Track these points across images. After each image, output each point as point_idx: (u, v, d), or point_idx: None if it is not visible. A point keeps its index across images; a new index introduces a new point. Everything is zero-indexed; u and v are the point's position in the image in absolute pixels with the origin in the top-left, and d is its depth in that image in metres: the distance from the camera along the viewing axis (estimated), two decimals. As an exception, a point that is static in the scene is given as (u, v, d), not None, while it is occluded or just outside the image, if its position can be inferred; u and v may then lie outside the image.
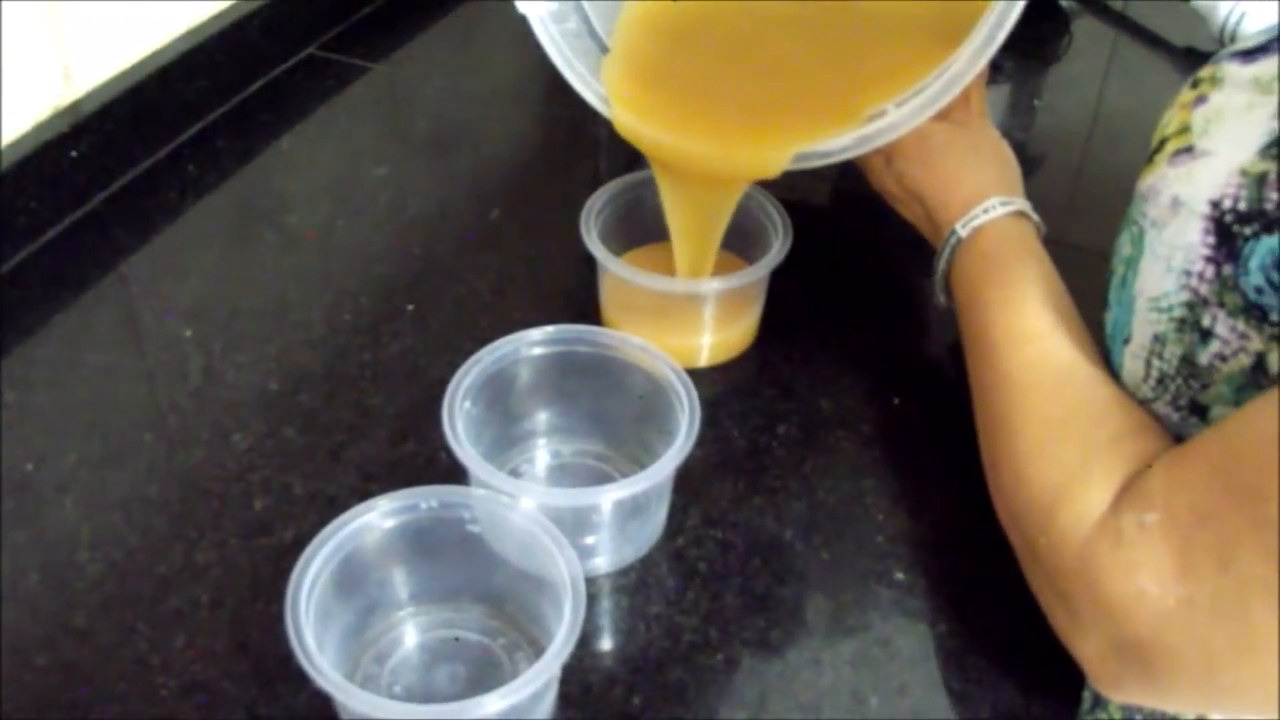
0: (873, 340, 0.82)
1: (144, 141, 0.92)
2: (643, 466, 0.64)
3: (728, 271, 0.75)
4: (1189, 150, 0.56)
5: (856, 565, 0.68)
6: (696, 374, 0.77)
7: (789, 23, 0.82)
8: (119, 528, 0.67)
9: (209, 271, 0.85)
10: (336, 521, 0.59)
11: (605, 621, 0.65)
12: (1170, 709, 0.58)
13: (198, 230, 0.89)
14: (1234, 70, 0.58)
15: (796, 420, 0.76)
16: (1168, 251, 0.55)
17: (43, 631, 0.62)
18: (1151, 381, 0.57)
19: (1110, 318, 0.61)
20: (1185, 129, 0.58)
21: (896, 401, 0.77)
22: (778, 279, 0.78)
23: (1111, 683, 0.56)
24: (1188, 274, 0.54)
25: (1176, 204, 0.55)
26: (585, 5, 0.81)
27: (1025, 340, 0.63)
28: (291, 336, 0.80)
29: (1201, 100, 0.58)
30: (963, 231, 0.70)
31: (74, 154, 0.86)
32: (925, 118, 0.70)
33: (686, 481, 0.71)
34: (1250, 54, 0.59)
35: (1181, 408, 0.57)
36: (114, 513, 0.68)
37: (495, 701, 0.53)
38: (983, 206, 0.70)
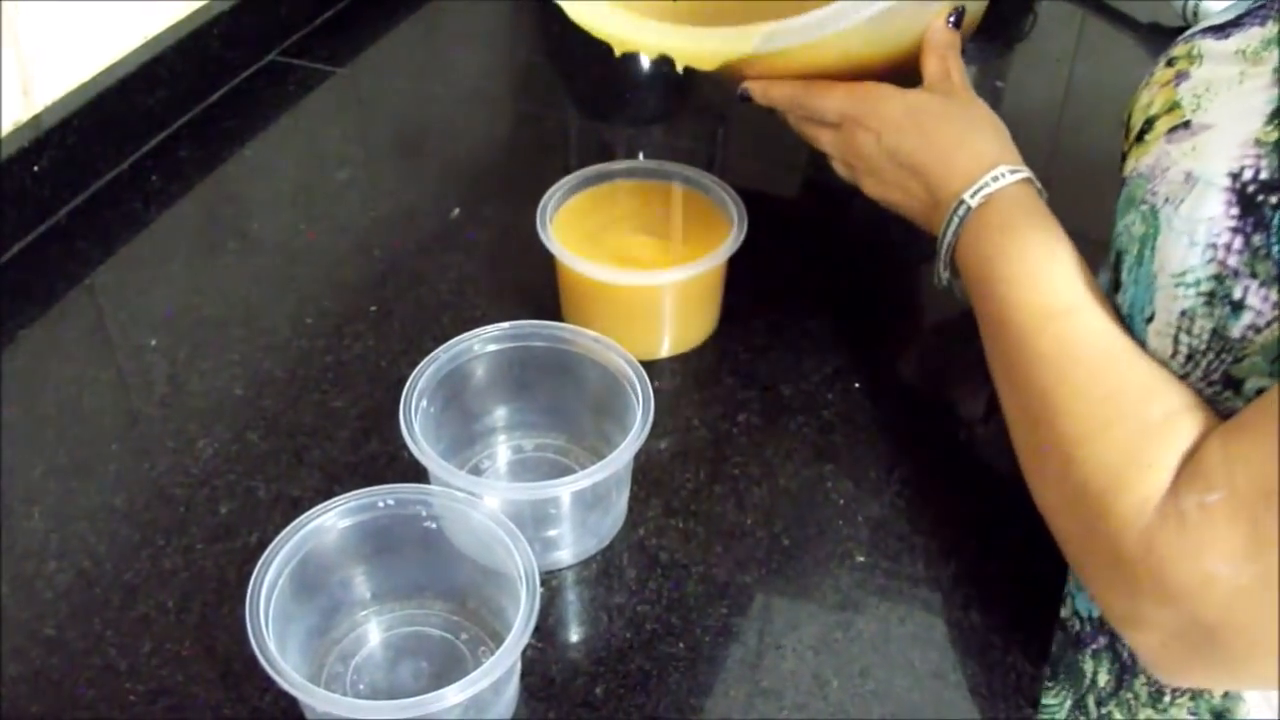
0: (833, 327, 0.82)
1: (106, 153, 0.93)
2: (603, 459, 0.65)
3: (684, 262, 0.76)
4: (1186, 126, 0.56)
5: (817, 550, 0.68)
6: (658, 365, 0.79)
7: None
8: (86, 537, 0.68)
9: (175, 280, 0.86)
10: (294, 524, 0.59)
11: (568, 613, 0.66)
12: (1238, 688, 0.58)
13: (163, 240, 0.90)
14: (1211, 45, 0.58)
15: (757, 408, 0.76)
16: (1188, 226, 0.54)
17: (11, 641, 0.63)
18: (1180, 358, 0.56)
19: (1126, 297, 0.59)
20: (1174, 106, 0.57)
21: (857, 386, 0.78)
22: (737, 269, 0.79)
23: (1176, 668, 0.55)
24: (1213, 247, 0.53)
25: (1190, 179, 0.54)
26: None
27: (1056, 315, 0.60)
28: (255, 342, 0.80)
29: (1183, 77, 0.58)
30: (973, 201, 0.67)
31: (36, 169, 0.86)
32: None
33: (647, 472, 0.71)
34: (1223, 29, 0.59)
35: (1214, 383, 0.55)
36: (81, 522, 0.69)
37: (455, 694, 0.54)
38: (991, 174, 0.67)
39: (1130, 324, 0.59)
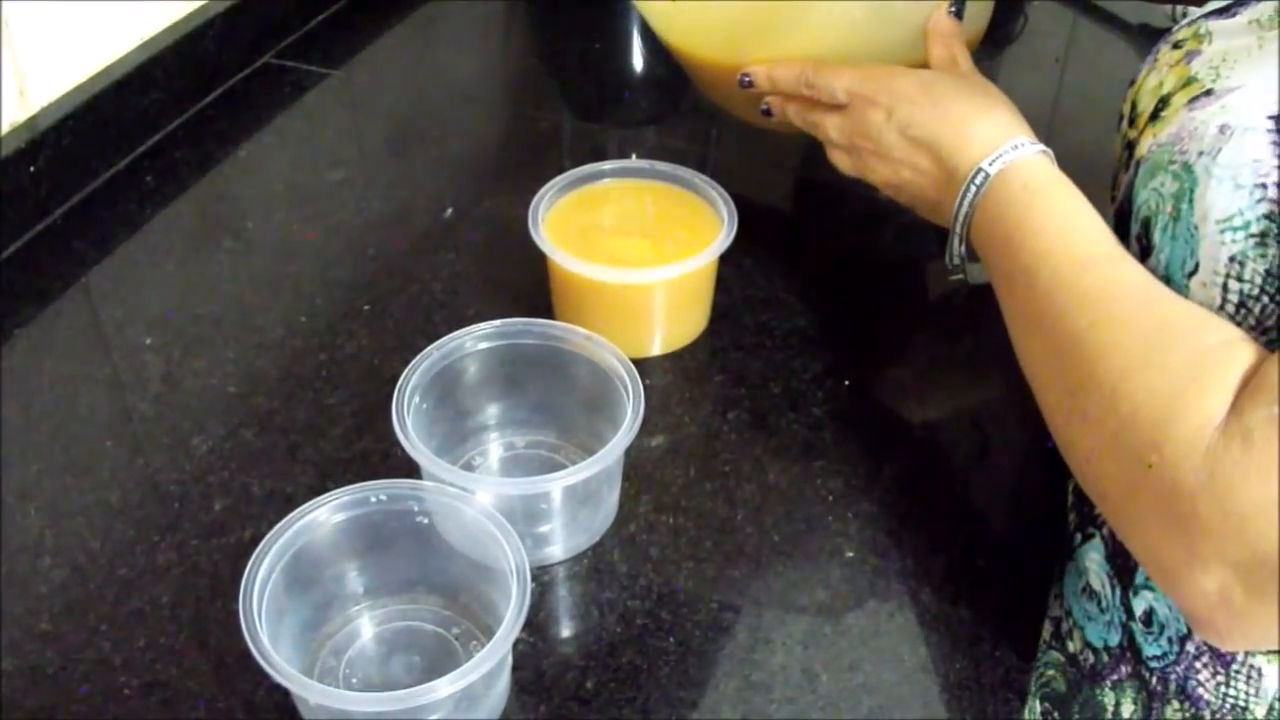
0: (822, 325, 0.83)
1: (102, 154, 0.93)
2: (594, 455, 0.65)
3: (675, 260, 0.76)
4: (1208, 94, 0.56)
5: (807, 545, 0.69)
6: (649, 363, 0.79)
7: None
8: (81, 533, 0.69)
9: (170, 280, 0.86)
10: (287, 519, 0.60)
11: (559, 608, 0.66)
12: None
13: (158, 240, 0.90)
14: (1219, 23, 0.59)
15: (747, 405, 0.77)
16: (1231, 172, 0.52)
17: (7, 636, 0.63)
18: (1229, 308, 0.53)
19: (1162, 258, 0.57)
20: (1189, 81, 0.57)
21: (847, 384, 0.79)
22: (728, 267, 0.80)
23: (1233, 622, 0.51)
24: (1262, 187, 0.51)
25: (1225, 129, 0.53)
26: None
27: (1098, 261, 0.58)
28: (249, 340, 0.81)
29: (1193, 54, 0.59)
30: (991, 169, 0.65)
31: (32, 169, 0.87)
32: None
33: (638, 469, 0.72)
34: (1227, 10, 0.59)
35: (1268, 329, 0.53)
36: (76, 518, 0.69)
37: (447, 686, 0.54)
38: (1011, 143, 0.65)
39: (1169, 283, 0.56)
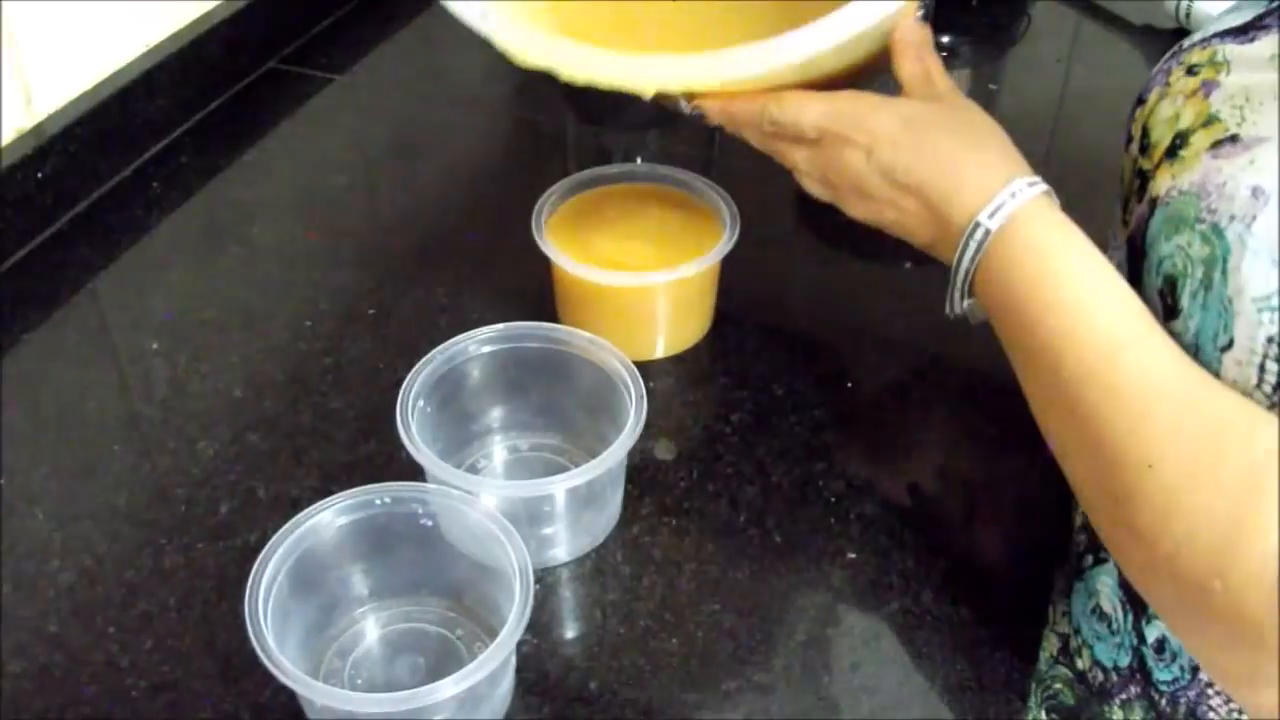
0: (824, 328, 0.84)
1: (108, 161, 0.94)
2: (598, 457, 0.66)
3: (678, 264, 0.77)
4: (1233, 140, 0.52)
5: (809, 547, 0.69)
6: (652, 366, 0.80)
7: None
8: (89, 536, 0.69)
9: (176, 285, 0.87)
10: (292, 522, 0.60)
11: (563, 609, 0.67)
12: None
13: (164, 246, 0.91)
14: (1236, 50, 0.55)
15: (750, 408, 0.77)
16: (1268, 245, 0.49)
17: (15, 638, 0.64)
18: (1267, 387, 0.51)
19: (1191, 324, 0.53)
20: (1212, 119, 0.54)
21: (849, 386, 0.79)
22: (731, 269, 0.80)
23: None
24: None
25: (1259, 193, 0.50)
26: None
27: (1127, 344, 0.54)
28: (255, 345, 0.81)
29: (1211, 86, 0.55)
30: (991, 224, 0.59)
31: (39, 176, 0.87)
32: None
33: (641, 471, 0.72)
34: (1244, 31, 0.56)
35: None
36: (84, 522, 0.70)
37: (451, 687, 0.55)
38: (1008, 190, 0.59)
39: (1196, 354, 0.53)
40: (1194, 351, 0.53)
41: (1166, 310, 0.55)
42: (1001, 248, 0.59)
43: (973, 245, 0.60)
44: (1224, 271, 0.51)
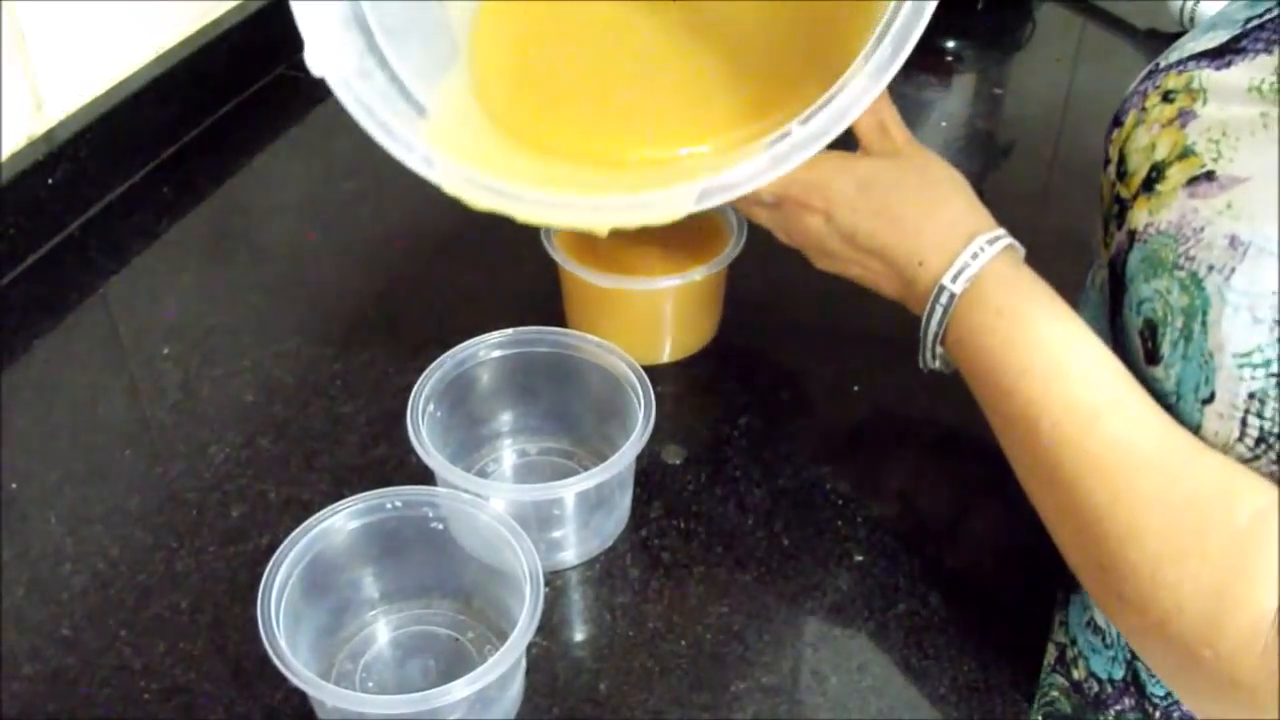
0: (831, 332, 0.84)
1: (118, 167, 0.95)
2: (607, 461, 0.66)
3: (686, 268, 0.77)
4: (1209, 178, 0.51)
5: (816, 549, 0.70)
6: (659, 370, 0.80)
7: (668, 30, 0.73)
8: (101, 540, 0.70)
9: (186, 290, 0.88)
10: (303, 525, 0.61)
11: (572, 612, 0.67)
12: None
13: (175, 250, 0.92)
14: (1213, 78, 0.54)
15: (757, 411, 0.78)
16: (1248, 301, 0.49)
17: (29, 642, 0.64)
18: (1249, 441, 0.50)
19: (1171, 374, 0.53)
20: (1188, 152, 0.53)
21: (855, 389, 0.79)
22: (738, 274, 0.80)
23: None
24: None
25: (1237, 243, 0.49)
26: (390, 58, 0.71)
27: (1100, 412, 0.53)
28: (265, 350, 0.82)
29: (1188, 115, 0.54)
30: (956, 287, 0.59)
31: (50, 182, 0.88)
32: (844, 125, 0.58)
33: (650, 474, 0.73)
34: (1220, 55, 0.54)
35: None
36: (96, 525, 0.70)
37: (462, 689, 0.55)
38: (969, 251, 0.59)
39: (1177, 403, 0.53)
40: (1175, 401, 0.53)
41: (1148, 355, 0.54)
42: (968, 311, 0.59)
43: (939, 309, 0.60)
44: (1204, 324, 0.51)
